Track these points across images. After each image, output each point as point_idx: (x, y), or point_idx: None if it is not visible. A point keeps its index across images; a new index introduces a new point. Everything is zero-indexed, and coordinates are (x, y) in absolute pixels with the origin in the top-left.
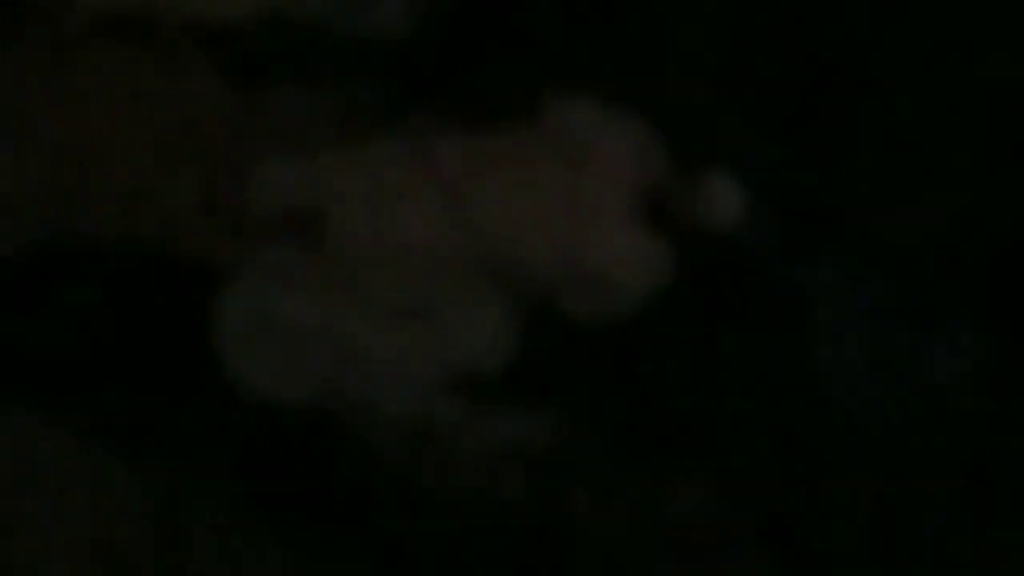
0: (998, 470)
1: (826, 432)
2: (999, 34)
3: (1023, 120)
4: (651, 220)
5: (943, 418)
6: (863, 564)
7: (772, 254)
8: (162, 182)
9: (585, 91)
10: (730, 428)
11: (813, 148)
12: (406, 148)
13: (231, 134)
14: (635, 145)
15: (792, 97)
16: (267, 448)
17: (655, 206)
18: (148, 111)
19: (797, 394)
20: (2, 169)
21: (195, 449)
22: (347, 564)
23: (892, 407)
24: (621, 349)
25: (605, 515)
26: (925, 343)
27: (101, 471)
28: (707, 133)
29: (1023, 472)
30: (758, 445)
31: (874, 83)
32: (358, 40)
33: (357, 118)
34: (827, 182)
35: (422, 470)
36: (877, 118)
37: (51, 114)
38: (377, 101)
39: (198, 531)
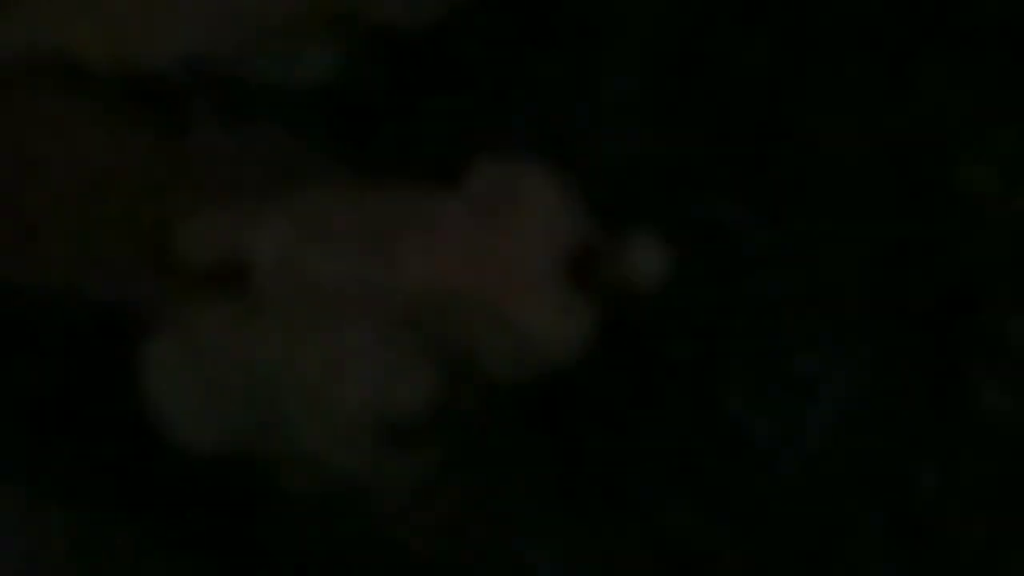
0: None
1: (755, 482)
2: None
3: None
4: (576, 279)
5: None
6: None
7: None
8: (89, 230)
9: (511, 147)
10: (654, 485)
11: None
12: (331, 199)
13: (158, 183)
14: (560, 203)
15: (724, 153)
16: (189, 494)
17: (580, 265)
18: (73, 158)
19: (721, 446)
20: None
21: (117, 495)
22: None
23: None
24: (543, 406)
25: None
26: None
27: (27, 518)
28: (634, 191)
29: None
30: (685, 500)
31: (814, 137)
32: (285, 87)
33: (283, 167)
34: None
35: (339, 515)
36: (815, 174)
37: None
38: (303, 150)
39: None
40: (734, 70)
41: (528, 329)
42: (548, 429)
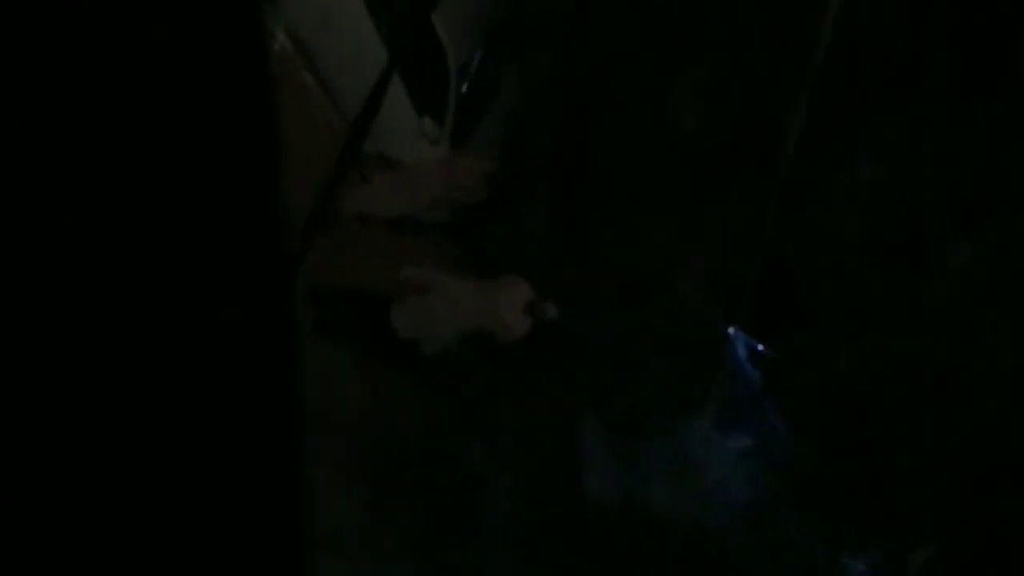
0: None
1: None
2: None
3: None
4: (528, 311)
5: None
6: None
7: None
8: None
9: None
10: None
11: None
12: (458, 285)
13: (401, 251)
14: (526, 287)
15: None
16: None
17: (528, 307)
18: (376, 245)
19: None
20: None
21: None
22: None
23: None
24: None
25: None
26: None
27: None
28: None
29: None
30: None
31: None
32: (440, 221)
33: (442, 256)
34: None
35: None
36: None
37: None
38: (446, 248)
39: None
40: None
41: (513, 329)
42: (510, 360)
